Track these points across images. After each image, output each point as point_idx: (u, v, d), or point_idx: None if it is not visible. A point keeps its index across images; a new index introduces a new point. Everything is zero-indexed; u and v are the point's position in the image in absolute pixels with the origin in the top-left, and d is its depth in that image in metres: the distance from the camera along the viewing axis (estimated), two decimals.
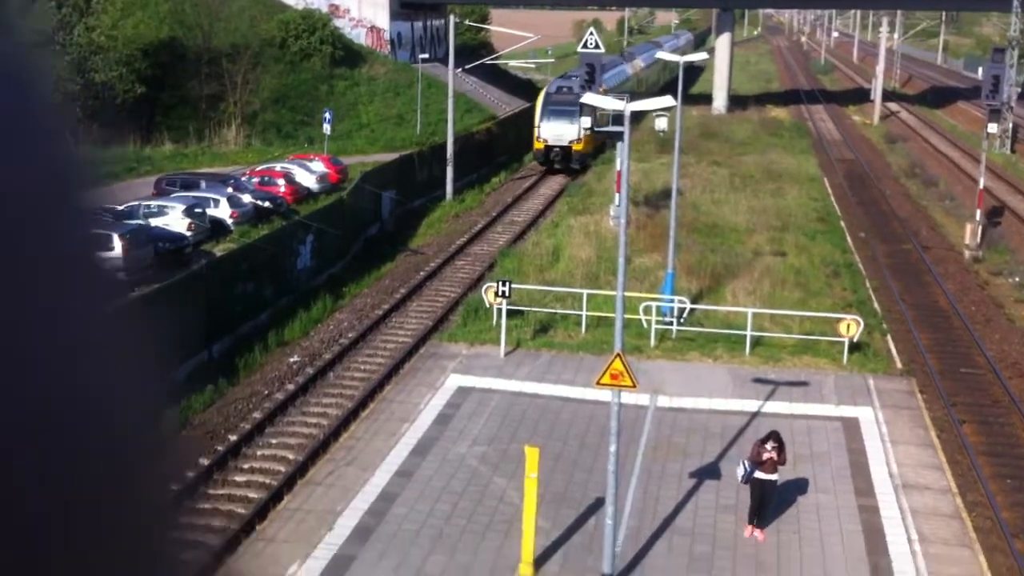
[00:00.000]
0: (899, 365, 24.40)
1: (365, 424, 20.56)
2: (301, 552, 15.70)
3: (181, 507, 0.75)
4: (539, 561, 15.44)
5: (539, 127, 50.04)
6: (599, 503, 16.59)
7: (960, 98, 77.09)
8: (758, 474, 16.26)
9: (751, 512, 16.56)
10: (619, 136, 16.92)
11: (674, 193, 26.85)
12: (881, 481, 18.41)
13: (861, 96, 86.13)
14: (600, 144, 51.89)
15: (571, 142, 49.44)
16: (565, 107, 49.37)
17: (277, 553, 15.72)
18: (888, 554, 16.05)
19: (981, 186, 37.90)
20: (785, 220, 37.37)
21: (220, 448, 20.48)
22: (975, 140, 52.97)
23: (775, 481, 16.49)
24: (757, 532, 16.43)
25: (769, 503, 16.64)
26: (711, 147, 52.56)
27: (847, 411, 21.37)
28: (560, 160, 49.76)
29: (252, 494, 18.93)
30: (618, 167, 31.45)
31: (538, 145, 50.03)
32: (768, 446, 16.26)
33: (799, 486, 18.03)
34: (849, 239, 36.82)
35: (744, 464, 16.45)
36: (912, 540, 16.47)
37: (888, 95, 79.94)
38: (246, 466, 20.10)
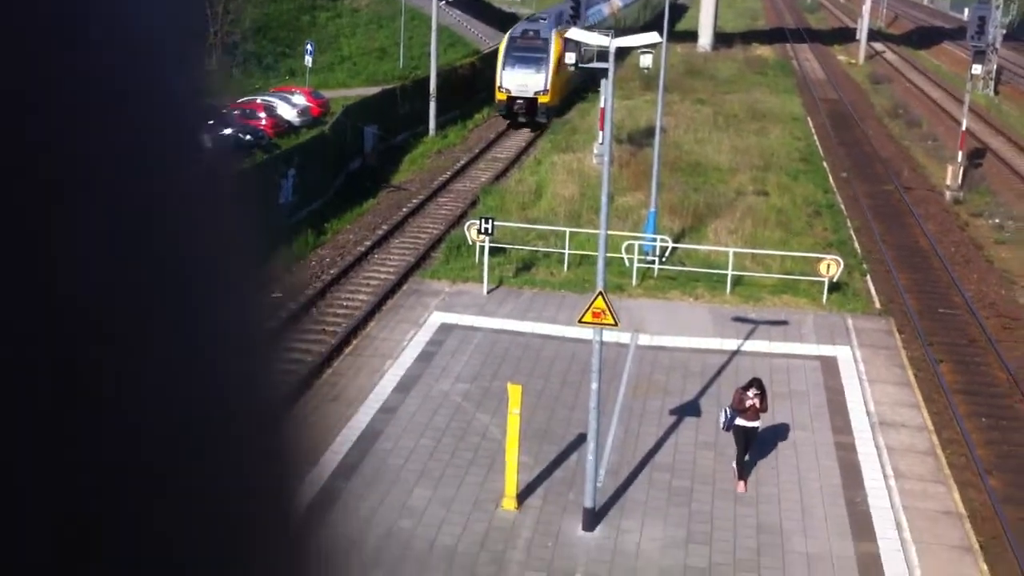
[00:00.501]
0: (878, 305, 24.63)
1: (348, 361, 20.67)
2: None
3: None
4: (522, 496, 15.67)
5: (501, 75, 44.68)
6: (581, 439, 16.80)
7: (945, 39, 76.90)
8: (740, 421, 16.16)
9: (739, 463, 16.40)
10: (603, 73, 16.83)
11: (658, 132, 26.82)
12: (858, 419, 18.70)
13: (847, 35, 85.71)
14: (573, 91, 48.00)
15: (537, 93, 44.35)
16: (531, 53, 44.74)
17: None
18: (864, 489, 16.37)
19: (963, 127, 37.95)
20: (768, 160, 37.39)
21: None
22: (959, 81, 52.98)
23: (757, 428, 16.40)
24: (740, 483, 16.33)
25: (750, 452, 16.54)
26: (695, 85, 52.32)
27: (825, 350, 21.61)
28: (525, 113, 44.73)
29: None
30: (602, 104, 31.32)
31: (500, 96, 44.70)
32: (750, 393, 16.12)
33: (777, 424, 18.29)
34: (831, 179, 36.90)
35: (726, 411, 16.36)
36: (887, 476, 16.79)
37: (874, 35, 79.59)
38: None
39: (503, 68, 44.64)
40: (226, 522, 0.64)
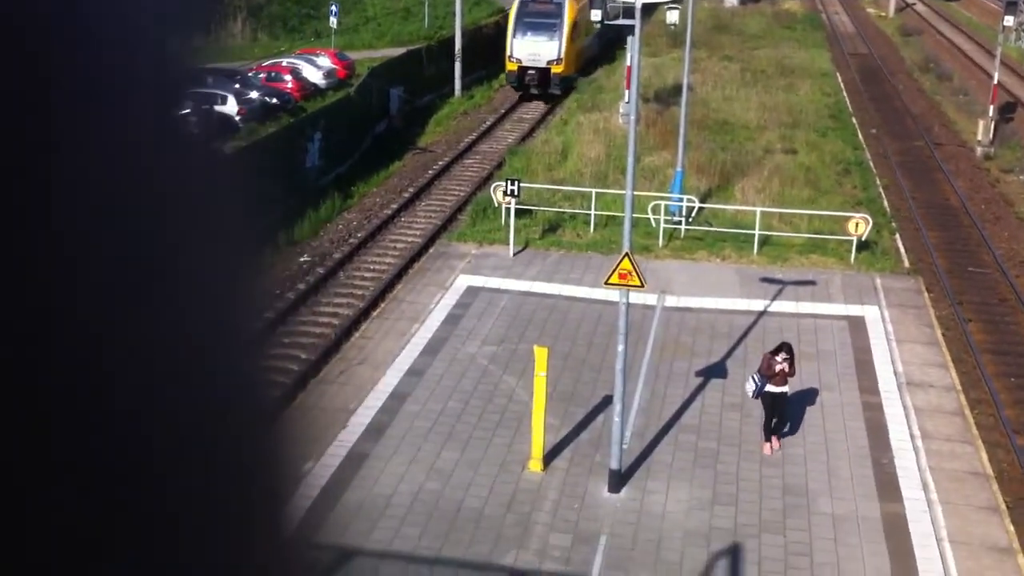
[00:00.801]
0: (906, 264, 24.47)
1: (376, 324, 20.81)
2: (316, 450, 16.06)
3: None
4: (548, 457, 15.80)
5: (511, 43, 41.55)
6: (607, 401, 16.89)
7: None
8: (769, 387, 16.00)
9: (765, 427, 16.31)
10: (630, 30, 16.70)
11: (684, 89, 26.60)
12: (885, 379, 18.67)
13: None
14: (590, 59, 45.58)
15: (550, 63, 41.23)
16: (543, 19, 41.69)
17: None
18: (890, 449, 16.38)
19: (995, 81, 37.40)
20: (796, 117, 37.03)
21: None
22: (991, 33, 52.06)
23: (786, 393, 16.24)
24: (774, 441, 16.30)
25: (783, 418, 16.46)
26: (723, 41, 51.77)
27: (853, 310, 21.53)
28: (537, 84, 41.45)
29: None
30: (628, 62, 31.05)
31: (510, 66, 41.65)
32: (779, 358, 15.91)
33: (804, 385, 18.28)
34: (860, 136, 36.53)
35: (754, 379, 16.16)
36: (915, 436, 16.78)
37: None
38: None
39: (513, 35, 41.57)
40: (220, 523, 0.65)
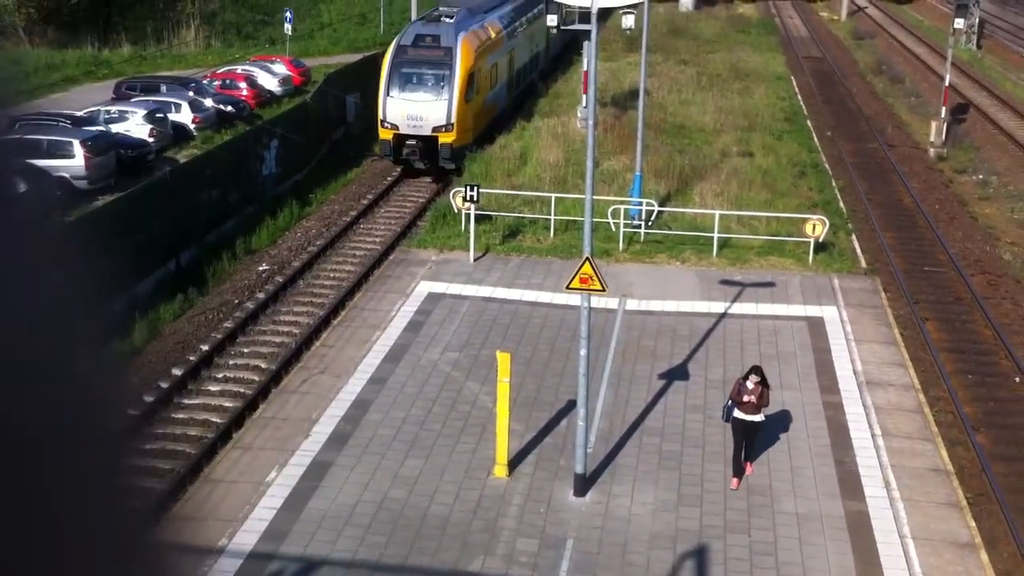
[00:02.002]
0: (863, 264, 24.72)
1: (337, 332, 20.66)
2: (279, 459, 15.91)
3: (130, 442, 0.69)
4: (513, 463, 15.76)
5: (383, 104, 31.43)
6: (570, 406, 16.88)
7: None
8: (739, 414, 15.07)
9: (734, 459, 15.33)
10: (586, 34, 16.71)
11: (642, 93, 26.71)
12: (845, 378, 18.82)
13: None
14: (498, 118, 35.34)
15: (437, 129, 31.04)
16: (427, 69, 31.42)
17: (255, 460, 15.92)
18: (852, 448, 16.50)
19: (947, 83, 37.94)
20: (752, 120, 37.34)
21: (192, 358, 20.54)
22: (941, 36, 52.85)
23: (759, 423, 15.21)
24: (748, 467, 15.38)
25: (752, 450, 15.45)
26: (679, 45, 52.12)
27: (812, 311, 21.71)
28: (421, 159, 31.45)
29: (227, 403, 19.07)
30: (585, 67, 31.14)
31: (384, 134, 31.55)
32: (749, 384, 15.00)
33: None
34: (816, 138, 36.89)
35: (728, 402, 15.34)
36: (875, 435, 16.92)
37: None
38: (220, 375, 20.20)
39: (386, 92, 31.46)
40: None
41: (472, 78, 32.02)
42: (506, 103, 37.26)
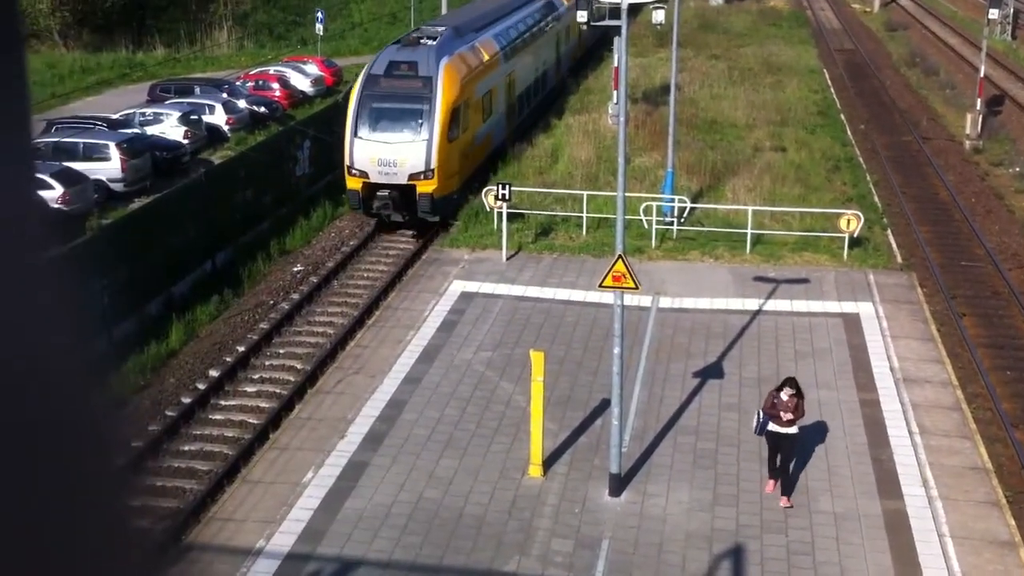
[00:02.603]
0: (899, 259, 24.51)
1: (371, 332, 20.76)
2: (315, 460, 16.02)
3: (131, 476, 0.69)
4: (547, 462, 15.77)
5: (351, 144, 26.29)
6: (604, 405, 16.87)
7: None
8: (773, 427, 14.64)
9: (770, 466, 15.05)
10: (616, 30, 16.67)
11: (673, 89, 26.61)
12: (882, 375, 18.68)
13: None
14: (489, 159, 30.14)
15: (415, 177, 25.96)
16: (403, 103, 26.27)
17: (291, 461, 16.04)
18: (889, 446, 16.38)
19: (982, 74, 37.52)
20: (785, 114, 37.09)
21: (229, 359, 20.71)
22: (976, 27, 52.22)
23: (794, 436, 14.76)
24: (783, 498, 14.76)
25: (789, 461, 14.98)
26: (709, 40, 51.84)
27: (848, 307, 21.56)
28: (397, 210, 26.27)
29: (263, 404, 19.21)
30: (616, 63, 31.03)
31: (352, 183, 26.40)
32: (783, 395, 14.54)
33: (801, 382, 18.24)
34: (849, 132, 36.59)
35: (759, 413, 14.93)
36: (913, 432, 16.79)
37: None
38: (256, 376, 20.34)
39: (354, 132, 26.31)
40: None
41: (457, 113, 26.76)
42: (505, 135, 32.09)
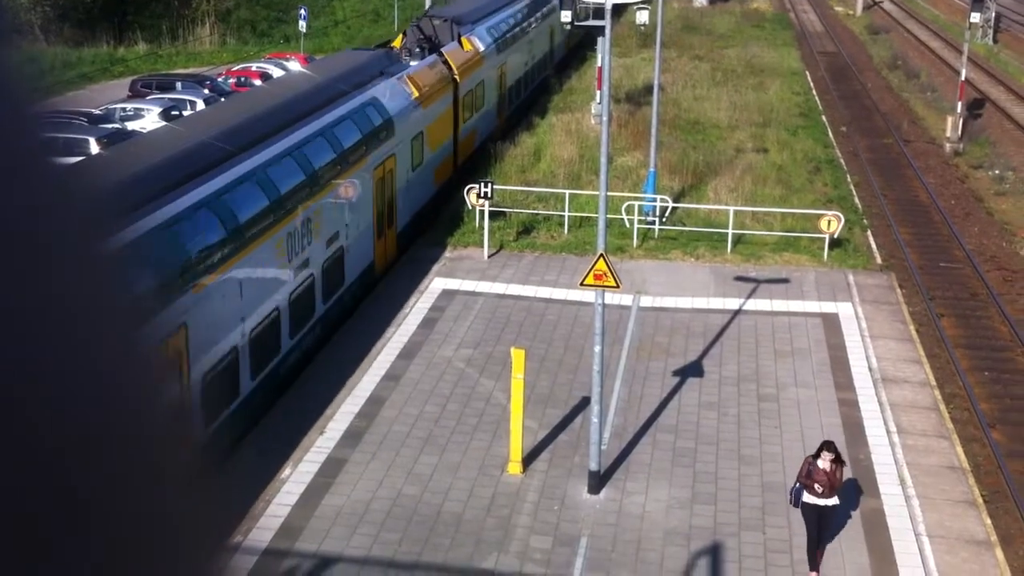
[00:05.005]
0: (879, 260, 24.63)
1: (351, 328, 20.68)
2: (294, 455, 15.96)
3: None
4: (527, 460, 15.77)
5: None
6: (584, 402, 16.88)
7: None
8: (809, 498, 13.07)
9: (809, 550, 13.24)
10: (600, 30, 16.71)
11: (656, 89, 26.66)
12: (860, 375, 18.77)
13: None
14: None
15: None
16: None
17: (269, 457, 15.97)
18: (867, 446, 16.45)
19: (963, 78, 37.73)
20: (767, 116, 37.22)
21: None
22: (957, 30, 52.57)
23: (834, 507, 13.29)
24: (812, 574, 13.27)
25: (830, 529, 13.56)
26: (693, 41, 51.99)
27: (827, 307, 21.65)
28: None
29: None
30: (599, 63, 31.08)
31: None
32: (822, 463, 12.99)
33: (780, 381, 18.35)
34: (831, 134, 36.75)
35: (796, 485, 13.40)
36: (891, 432, 16.87)
37: None
38: None
39: None
40: None
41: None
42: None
